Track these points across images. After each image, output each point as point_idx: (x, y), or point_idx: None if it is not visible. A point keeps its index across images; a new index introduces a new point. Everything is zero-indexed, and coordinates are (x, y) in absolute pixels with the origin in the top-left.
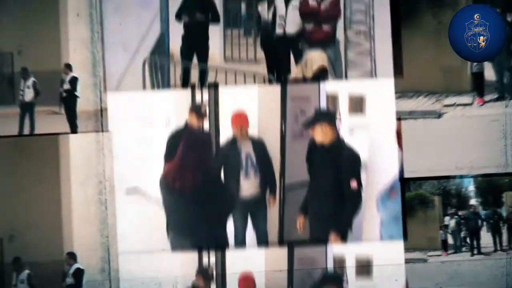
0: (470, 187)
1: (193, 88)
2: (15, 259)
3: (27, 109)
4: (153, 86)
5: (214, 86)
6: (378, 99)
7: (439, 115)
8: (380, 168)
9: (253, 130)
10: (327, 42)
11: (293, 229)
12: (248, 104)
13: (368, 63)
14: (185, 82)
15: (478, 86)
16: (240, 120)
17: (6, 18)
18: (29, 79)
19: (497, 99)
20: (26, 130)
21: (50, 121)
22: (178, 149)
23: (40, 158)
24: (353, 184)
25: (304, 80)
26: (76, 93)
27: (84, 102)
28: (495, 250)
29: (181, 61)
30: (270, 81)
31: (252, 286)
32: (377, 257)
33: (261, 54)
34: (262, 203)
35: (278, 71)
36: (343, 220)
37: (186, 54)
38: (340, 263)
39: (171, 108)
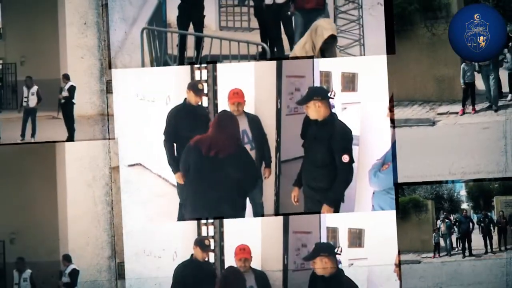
0: (462, 191)
1: (192, 65)
2: (18, 258)
3: (30, 114)
4: (151, 54)
5: (212, 64)
6: (371, 76)
7: (433, 123)
8: (372, 143)
9: (249, 107)
10: (318, 10)
11: (288, 202)
12: (245, 81)
13: (357, 31)
14: (182, 50)
15: (471, 96)
16: (236, 97)
17: (10, 31)
18: (33, 87)
19: (487, 108)
20: (28, 134)
21: (49, 125)
22: (213, 120)
23: (42, 163)
24: (345, 158)
25: (313, 49)
26: (74, 100)
27: (92, 107)
28: (486, 252)
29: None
30: (263, 49)
31: (249, 256)
32: (369, 227)
33: (255, 23)
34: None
35: (271, 40)
36: (335, 192)
37: (182, 23)
38: (333, 233)
39: (172, 86)
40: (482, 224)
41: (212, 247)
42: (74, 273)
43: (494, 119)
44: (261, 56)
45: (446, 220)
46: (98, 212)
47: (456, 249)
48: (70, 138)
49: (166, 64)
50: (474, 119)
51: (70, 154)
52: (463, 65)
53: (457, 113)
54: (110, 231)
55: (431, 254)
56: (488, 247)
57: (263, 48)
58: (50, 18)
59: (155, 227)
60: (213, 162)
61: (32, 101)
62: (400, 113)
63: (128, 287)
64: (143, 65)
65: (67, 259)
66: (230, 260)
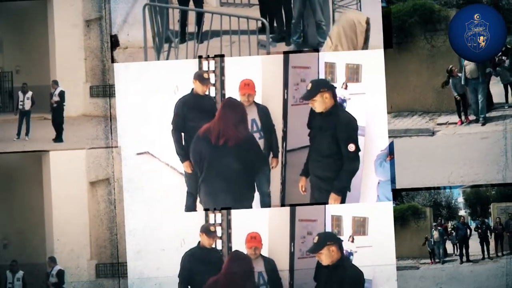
0: (460, 199)
1: (200, 57)
2: (13, 261)
3: (25, 116)
4: (153, 30)
5: (220, 56)
6: (374, 68)
7: (432, 133)
8: (376, 133)
9: (256, 97)
10: None
11: (294, 191)
12: (252, 72)
13: (354, 6)
14: (183, 26)
15: (463, 106)
16: (247, 88)
17: (6, 43)
18: (28, 92)
19: (475, 121)
20: (23, 133)
21: (42, 125)
22: (218, 110)
23: (39, 167)
24: (351, 147)
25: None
26: (64, 104)
27: (95, 107)
28: (483, 258)
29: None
30: (263, 25)
31: (259, 245)
32: (371, 216)
33: None
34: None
35: (270, 16)
36: (342, 181)
37: None
38: (337, 221)
39: (179, 76)
40: (479, 231)
41: (218, 233)
42: (60, 274)
43: (493, 128)
44: (261, 32)
45: (439, 228)
46: (101, 211)
47: (454, 254)
48: (59, 138)
49: (168, 39)
50: (473, 129)
51: (71, 155)
52: (451, 79)
53: (456, 123)
54: (113, 229)
55: (429, 260)
56: (485, 253)
57: (262, 23)
58: (42, 32)
59: (162, 215)
60: (223, 151)
61: (27, 105)
62: (400, 123)
63: (130, 285)
64: (145, 41)
65: (53, 260)
66: (238, 247)
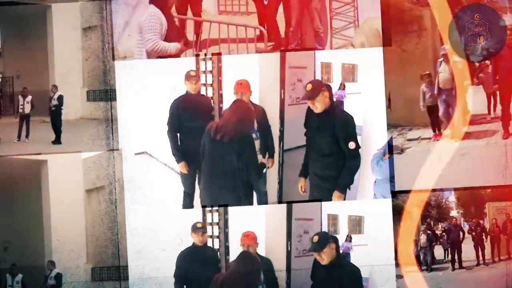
0: (451, 198)
1: (197, 56)
2: (12, 265)
3: (25, 119)
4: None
5: (217, 55)
6: (370, 68)
7: (401, 150)
8: (373, 133)
9: (253, 97)
10: None
11: (291, 190)
12: (249, 72)
13: (351, 13)
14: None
15: (436, 119)
16: (240, 88)
17: (7, 50)
18: (28, 96)
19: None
20: (23, 136)
21: (41, 128)
22: (228, 107)
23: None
24: (351, 144)
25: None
26: (62, 108)
27: (96, 108)
28: (478, 264)
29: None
30: (261, 33)
31: (253, 243)
32: (368, 214)
33: (253, 6)
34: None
35: (268, 24)
36: (345, 178)
37: (180, 8)
38: (333, 220)
39: (177, 76)
40: (473, 233)
41: (215, 233)
42: (58, 276)
43: (473, 144)
44: (259, 40)
45: (428, 232)
46: (102, 211)
47: (444, 260)
48: (57, 140)
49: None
50: (450, 144)
51: (72, 155)
52: (422, 86)
53: (430, 138)
54: (114, 228)
55: (415, 268)
56: (480, 258)
57: (260, 31)
58: (42, 37)
59: (162, 215)
60: (220, 147)
61: (27, 108)
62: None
63: (131, 285)
64: None
65: (52, 264)
66: (234, 247)
